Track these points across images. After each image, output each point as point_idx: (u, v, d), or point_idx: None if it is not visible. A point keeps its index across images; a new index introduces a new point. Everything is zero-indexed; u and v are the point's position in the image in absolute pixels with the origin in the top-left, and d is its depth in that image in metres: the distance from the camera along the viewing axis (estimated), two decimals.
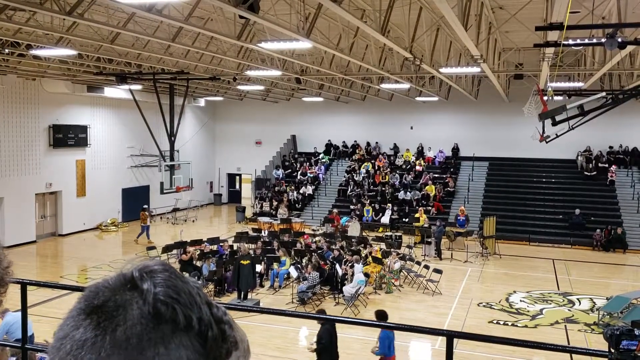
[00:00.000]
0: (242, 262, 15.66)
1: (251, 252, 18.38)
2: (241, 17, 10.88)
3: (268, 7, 11.09)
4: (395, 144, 32.30)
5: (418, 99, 27.44)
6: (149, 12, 9.92)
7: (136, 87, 24.27)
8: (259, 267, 17.17)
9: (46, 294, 14.75)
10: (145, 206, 24.80)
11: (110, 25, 12.05)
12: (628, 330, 2.50)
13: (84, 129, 26.14)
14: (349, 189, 29.78)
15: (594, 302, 16.02)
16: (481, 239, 22.47)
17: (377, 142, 32.87)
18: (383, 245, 20.74)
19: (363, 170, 30.96)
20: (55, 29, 12.90)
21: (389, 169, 30.72)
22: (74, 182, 25.97)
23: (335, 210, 27.11)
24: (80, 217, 26.00)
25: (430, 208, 27.01)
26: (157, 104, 23.52)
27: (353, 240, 21.26)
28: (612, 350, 2.58)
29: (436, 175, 29.62)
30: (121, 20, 12.76)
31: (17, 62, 18.30)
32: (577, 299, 16.51)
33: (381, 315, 10.70)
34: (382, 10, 10.78)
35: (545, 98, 15.59)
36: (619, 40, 9.81)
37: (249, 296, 15.79)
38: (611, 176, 27.18)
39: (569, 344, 13.01)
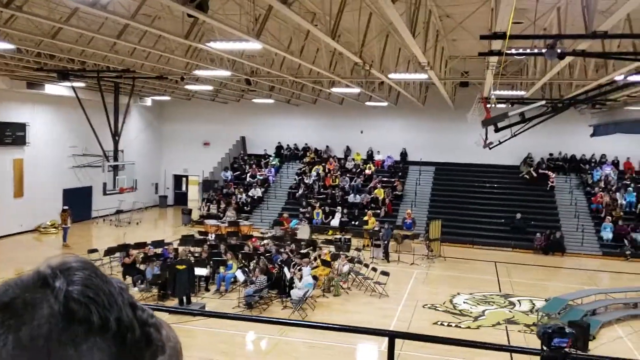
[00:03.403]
0: (177, 267, 15.26)
1: (196, 255, 18.08)
2: (190, 15, 10.72)
3: (217, 6, 10.97)
4: (347, 146, 32.60)
5: (368, 103, 27.74)
6: (93, 8, 9.63)
7: (79, 84, 23.50)
8: (204, 271, 16.86)
9: None
10: (66, 207, 24.00)
11: (52, 20, 11.62)
12: (559, 328, 2.58)
13: (22, 126, 25.09)
14: (299, 192, 29.77)
15: (533, 304, 16.56)
16: (427, 242, 22.90)
17: (327, 146, 33.05)
18: (332, 248, 20.82)
19: (314, 173, 31.04)
20: None
21: (339, 172, 30.92)
22: (11, 182, 24.87)
23: (285, 214, 27.04)
24: (17, 219, 24.93)
25: (379, 212, 27.32)
26: (102, 102, 22.86)
27: (302, 243, 21.25)
28: (545, 348, 2.66)
29: (385, 179, 30.04)
30: (64, 14, 12.33)
31: None
32: (518, 300, 17.04)
33: None
34: (332, 14, 10.84)
35: (488, 106, 16.05)
36: (559, 51, 10.20)
37: (193, 300, 15.51)
38: (551, 182, 28.26)
39: (509, 344, 13.40)
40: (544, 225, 25.41)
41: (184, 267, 15.19)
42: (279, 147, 33.61)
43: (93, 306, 0.68)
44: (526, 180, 28.79)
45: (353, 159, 32.07)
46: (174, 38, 12.43)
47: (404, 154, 31.66)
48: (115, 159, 24.16)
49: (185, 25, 12.11)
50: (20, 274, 0.74)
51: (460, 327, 14.62)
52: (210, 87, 24.84)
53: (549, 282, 19.93)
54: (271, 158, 33.13)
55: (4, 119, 24.17)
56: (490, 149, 18.53)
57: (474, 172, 29.74)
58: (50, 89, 25.12)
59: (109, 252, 18.77)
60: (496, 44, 10.56)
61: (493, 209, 27.31)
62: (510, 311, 16.01)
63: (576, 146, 29.42)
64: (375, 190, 28.85)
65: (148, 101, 33.10)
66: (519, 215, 25.94)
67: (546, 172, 28.74)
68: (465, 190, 28.71)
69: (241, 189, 30.32)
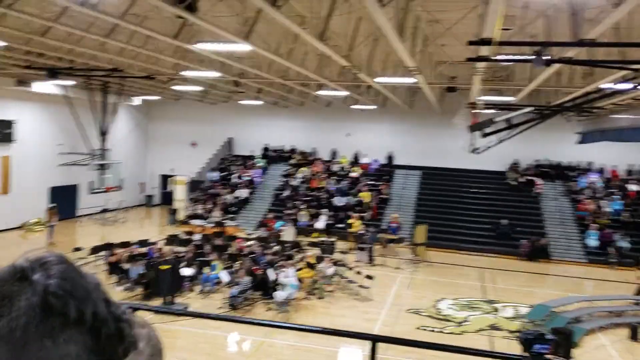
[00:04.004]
0: (160, 267, 15.21)
1: (181, 255, 17.98)
2: (179, 16, 10.69)
3: (207, 8, 10.95)
4: (334, 149, 32.66)
5: (355, 107, 27.82)
6: (82, 7, 9.58)
7: (68, 82, 23.32)
8: (189, 271, 16.79)
9: None
10: (53, 204, 23.79)
11: (42, 18, 11.54)
12: (540, 334, 2.61)
13: (9, 124, 24.85)
14: (285, 194, 29.74)
15: (517, 310, 16.64)
16: (412, 246, 22.94)
17: (314, 148, 33.08)
18: (317, 251, 20.81)
19: (300, 175, 31.03)
20: None
21: (325, 175, 30.94)
22: None
23: (270, 215, 27.00)
24: (3, 216, 24.66)
25: (364, 215, 27.36)
26: (90, 101, 22.69)
27: (287, 245, 21.23)
28: (526, 354, 2.68)
29: (371, 183, 30.10)
30: (54, 13, 12.24)
31: None
32: (502, 306, 17.11)
33: None
34: (321, 18, 10.87)
35: (475, 111, 16.15)
36: (546, 58, 10.30)
37: (177, 300, 15.42)
38: (537, 189, 28.46)
39: (492, 350, 13.47)
40: (529, 232, 25.56)
41: (167, 267, 15.15)
42: (266, 149, 33.59)
43: (70, 299, 0.70)
44: (512, 187, 29.00)
45: (339, 162, 32.13)
46: (163, 38, 12.39)
47: (390, 158, 31.77)
48: (102, 157, 24.02)
49: (174, 25, 12.08)
50: None
51: (444, 332, 14.66)
52: (198, 88, 24.76)
53: (534, 289, 20.06)
54: (258, 159, 33.09)
55: None
56: (477, 154, 18.66)
57: (460, 177, 29.88)
58: (38, 86, 24.87)
59: (94, 250, 18.66)
60: (484, 50, 10.65)
61: (479, 215, 27.44)
62: (494, 317, 16.08)
63: (563, 153, 29.69)
64: (361, 194, 28.90)
65: (136, 101, 32.91)
66: (504, 221, 26.09)
67: (532, 178, 28.96)
68: (451, 195, 28.82)
69: (227, 190, 30.24)
